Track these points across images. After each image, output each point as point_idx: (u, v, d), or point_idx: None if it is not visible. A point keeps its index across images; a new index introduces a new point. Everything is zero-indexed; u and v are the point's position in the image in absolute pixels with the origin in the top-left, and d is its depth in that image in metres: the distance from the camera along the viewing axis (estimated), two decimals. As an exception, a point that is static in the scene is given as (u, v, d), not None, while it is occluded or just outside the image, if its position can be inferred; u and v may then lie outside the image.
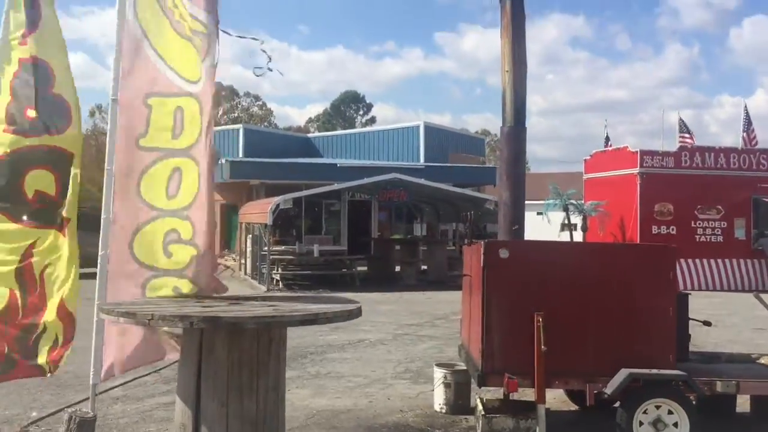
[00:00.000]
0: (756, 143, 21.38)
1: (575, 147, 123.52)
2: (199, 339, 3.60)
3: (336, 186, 19.47)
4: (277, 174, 25.51)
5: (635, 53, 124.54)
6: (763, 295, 5.83)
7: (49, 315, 4.62)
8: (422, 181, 18.87)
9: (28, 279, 4.68)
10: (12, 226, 4.67)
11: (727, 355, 6.06)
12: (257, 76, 4.96)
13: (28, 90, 4.74)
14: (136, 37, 4.36)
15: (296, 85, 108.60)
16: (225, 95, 59.68)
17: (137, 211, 4.32)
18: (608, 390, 4.82)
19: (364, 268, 20.08)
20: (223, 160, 25.88)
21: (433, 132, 34.52)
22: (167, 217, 4.32)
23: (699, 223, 18.87)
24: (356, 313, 3.75)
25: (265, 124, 59.70)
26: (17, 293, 4.67)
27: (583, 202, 21.00)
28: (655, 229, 18.59)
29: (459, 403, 6.05)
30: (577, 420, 5.85)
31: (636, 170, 18.73)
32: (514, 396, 5.52)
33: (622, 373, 4.79)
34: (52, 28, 4.59)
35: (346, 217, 24.21)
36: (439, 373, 6.15)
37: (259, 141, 31.91)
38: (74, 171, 4.66)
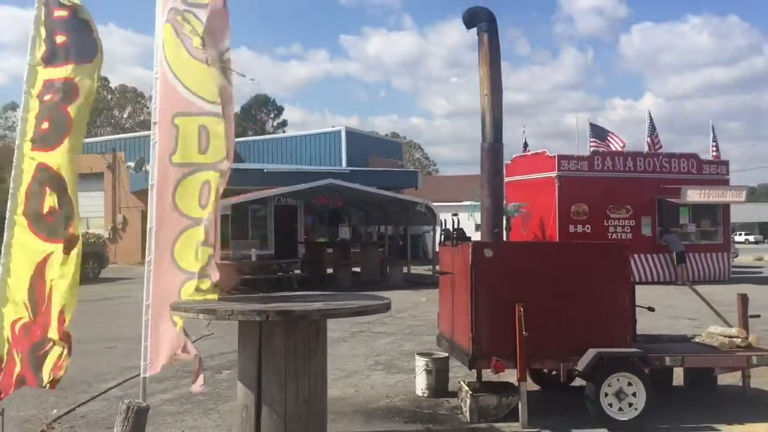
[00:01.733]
0: (660, 147, 23.25)
1: (478, 149, 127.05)
2: (258, 330, 4.16)
3: (274, 191, 19.85)
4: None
5: (534, 58, 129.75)
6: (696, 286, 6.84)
7: (53, 332, 4.95)
8: (357, 186, 19.54)
9: (39, 294, 5.01)
10: (35, 241, 5.03)
11: (666, 336, 7.09)
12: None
13: (48, 105, 5.10)
14: (162, 63, 4.85)
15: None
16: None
17: (175, 221, 4.80)
18: (579, 367, 5.66)
19: (298, 272, 20.56)
20: (148, 168, 25.71)
21: (354, 137, 35.31)
22: (200, 225, 4.82)
23: (611, 222, 20.42)
24: (389, 306, 4.40)
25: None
26: (29, 308, 5.00)
27: (505, 203, 22.23)
28: (572, 228, 19.99)
29: (439, 388, 6.78)
30: (544, 398, 6.66)
31: (554, 173, 20.09)
32: (491, 378, 6.33)
33: (591, 353, 5.63)
34: (100, 57, 5.00)
35: (272, 222, 24.56)
36: (420, 361, 6.86)
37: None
38: (71, 190, 4.99)
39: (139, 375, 7.43)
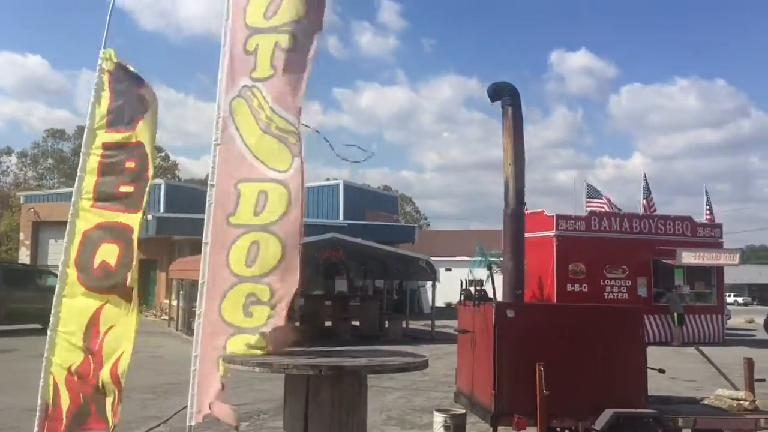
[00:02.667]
0: (654, 210, 23.79)
1: (470, 204, 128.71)
2: (306, 384, 4.41)
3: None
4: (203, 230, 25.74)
5: (526, 116, 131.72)
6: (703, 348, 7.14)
7: (105, 375, 5.26)
8: (360, 240, 19.88)
9: (94, 340, 5.32)
10: (86, 293, 5.35)
11: (676, 398, 7.36)
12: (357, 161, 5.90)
13: (120, 168, 5.47)
14: (230, 132, 5.20)
15: (192, 135, 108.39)
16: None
17: (224, 278, 5.09)
18: (597, 426, 5.90)
19: (297, 324, 20.66)
20: (150, 216, 26.01)
21: (351, 190, 35.86)
22: (246, 282, 5.09)
23: (607, 282, 20.77)
24: (427, 363, 4.67)
25: (169, 176, 59.17)
26: (86, 352, 5.31)
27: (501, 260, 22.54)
28: (569, 287, 20.30)
29: (457, 443, 6.99)
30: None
31: (552, 233, 20.50)
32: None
33: (608, 413, 5.89)
34: (154, 116, 5.40)
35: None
36: (439, 417, 7.06)
37: (181, 196, 32.09)
38: (135, 250, 5.38)
39: (153, 428, 7.73)
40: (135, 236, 5.27)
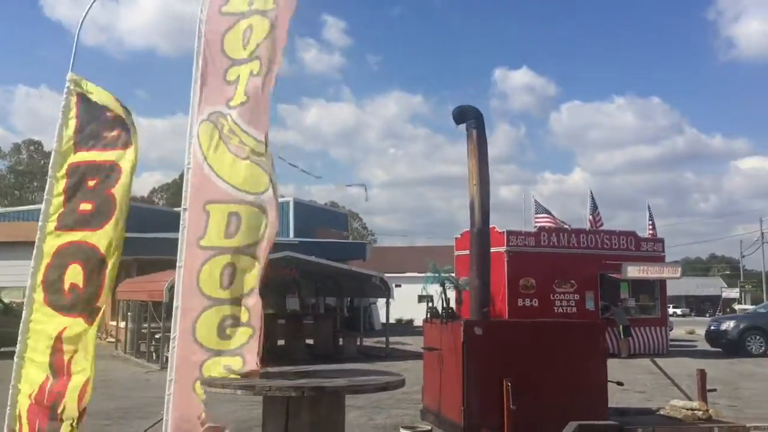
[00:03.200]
0: (601, 225, 24.46)
1: (416, 219, 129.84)
2: (286, 405, 4.46)
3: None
4: (152, 250, 25.31)
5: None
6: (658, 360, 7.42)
7: (70, 399, 5.20)
8: (313, 258, 19.86)
9: (58, 365, 5.25)
10: (51, 314, 5.30)
11: (633, 409, 7.61)
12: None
13: (81, 187, 5.42)
14: (198, 158, 5.23)
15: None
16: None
17: (198, 302, 5.09)
18: (562, 438, 6.08)
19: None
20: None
21: (301, 207, 35.77)
22: (222, 305, 5.10)
23: (556, 296, 21.19)
24: (404, 382, 4.77)
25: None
26: (50, 379, 5.24)
27: (455, 276, 22.84)
28: (520, 302, 20.65)
29: (424, 460, 7.08)
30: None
31: (503, 248, 20.86)
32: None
33: (572, 425, 6.05)
34: (136, 145, 5.39)
35: (222, 292, 24.42)
36: (405, 435, 7.16)
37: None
38: (109, 269, 5.34)
39: None
40: (106, 256, 5.21)
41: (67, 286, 5.29)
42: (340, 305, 26.65)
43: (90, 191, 5.39)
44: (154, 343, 18.19)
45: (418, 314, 42.07)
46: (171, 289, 16.84)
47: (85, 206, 5.35)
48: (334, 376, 4.89)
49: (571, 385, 6.31)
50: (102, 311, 5.20)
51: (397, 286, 37.67)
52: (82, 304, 5.21)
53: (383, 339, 22.23)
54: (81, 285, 5.25)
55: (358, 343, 21.01)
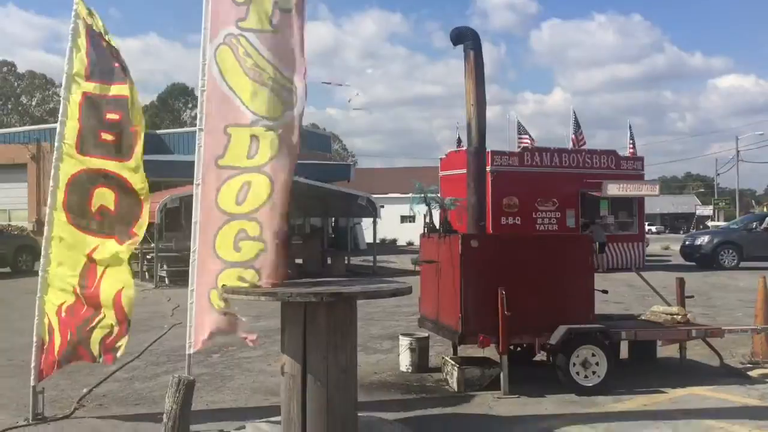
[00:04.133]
0: (584, 144, 24.82)
1: (395, 140, 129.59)
2: (303, 310, 4.81)
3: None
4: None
5: (450, 51, 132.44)
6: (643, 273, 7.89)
7: (107, 310, 5.58)
8: (303, 179, 20.04)
9: (89, 278, 5.61)
10: (78, 235, 5.59)
11: (617, 315, 8.15)
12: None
13: (99, 117, 5.64)
14: (215, 79, 5.40)
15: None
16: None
17: (216, 218, 5.38)
18: (552, 341, 6.57)
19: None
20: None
21: (284, 129, 35.57)
22: (236, 220, 5.39)
23: (539, 214, 21.75)
24: (410, 290, 5.13)
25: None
26: (78, 291, 5.59)
27: (440, 196, 23.26)
28: (503, 220, 21.18)
29: (422, 364, 7.58)
30: (513, 371, 7.57)
31: (488, 168, 21.18)
32: (468, 355, 7.20)
33: (562, 329, 6.55)
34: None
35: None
36: (404, 341, 7.64)
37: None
38: (144, 202, 5.68)
39: (134, 359, 8.06)
40: (137, 187, 5.52)
41: (94, 208, 5.57)
42: (325, 225, 27.08)
43: (113, 124, 5.62)
44: (146, 263, 18.54)
45: (401, 234, 42.89)
46: (163, 210, 17.09)
47: (107, 137, 5.58)
48: (346, 285, 5.24)
49: (561, 293, 6.75)
50: (137, 236, 5.57)
51: (380, 207, 38.14)
52: (115, 226, 5.54)
53: (368, 258, 22.76)
54: (112, 208, 5.56)
55: (346, 262, 21.53)
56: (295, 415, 4.81)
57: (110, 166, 5.58)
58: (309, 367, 4.82)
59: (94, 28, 5.67)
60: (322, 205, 22.98)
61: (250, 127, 5.36)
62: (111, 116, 5.61)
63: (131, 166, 5.61)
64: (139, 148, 5.65)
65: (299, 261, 21.13)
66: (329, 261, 20.90)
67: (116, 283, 5.50)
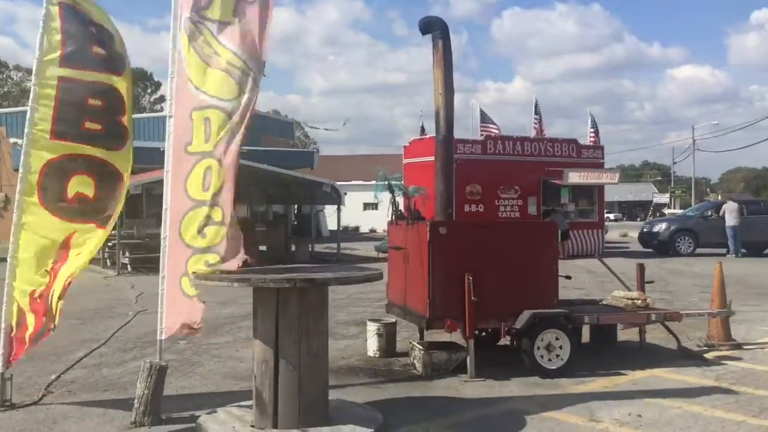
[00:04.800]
0: (545, 133, 25.15)
1: (357, 128, 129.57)
2: (276, 296, 4.86)
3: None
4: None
5: (411, 39, 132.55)
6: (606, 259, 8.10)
7: (58, 283, 5.55)
8: (267, 166, 19.98)
9: (60, 263, 5.57)
10: (52, 220, 5.55)
11: (579, 300, 8.35)
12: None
13: (81, 104, 5.59)
14: (181, 65, 5.41)
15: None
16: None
17: (183, 203, 5.39)
18: (517, 325, 6.71)
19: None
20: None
21: (247, 115, 35.25)
22: (202, 206, 5.41)
23: (501, 202, 22.03)
24: (381, 276, 5.21)
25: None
26: (51, 277, 5.55)
27: (403, 184, 23.36)
28: (467, 208, 21.38)
29: (389, 349, 7.68)
30: (478, 355, 7.73)
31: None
32: (435, 340, 7.33)
33: (527, 314, 6.70)
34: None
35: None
36: (372, 326, 7.73)
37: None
38: (126, 185, 5.69)
39: (101, 345, 8.02)
40: (124, 176, 5.53)
41: (71, 194, 5.53)
42: (288, 212, 27.04)
43: (96, 112, 5.57)
44: (108, 250, 18.30)
45: (363, 221, 42.96)
46: (127, 194, 16.85)
47: (92, 125, 5.54)
48: (317, 271, 5.31)
49: (526, 278, 6.89)
50: (114, 218, 5.57)
51: (343, 194, 38.25)
52: (95, 213, 5.52)
53: (332, 245, 22.80)
54: (92, 195, 5.53)
55: (310, 249, 21.54)
56: (267, 399, 4.87)
57: (90, 151, 5.54)
58: (281, 351, 4.88)
59: (81, 11, 5.59)
60: (285, 192, 22.95)
61: (204, 109, 5.40)
62: (93, 102, 5.56)
63: (123, 155, 5.64)
64: (130, 143, 5.70)
65: (263, 248, 21.07)
66: (293, 248, 20.88)
67: (74, 267, 5.48)
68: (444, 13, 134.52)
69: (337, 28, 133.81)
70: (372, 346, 7.71)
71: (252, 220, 22.68)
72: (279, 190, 23.31)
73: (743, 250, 22.44)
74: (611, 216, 79.82)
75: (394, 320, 7.80)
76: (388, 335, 7.69)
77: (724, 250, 22.42)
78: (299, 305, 4.89)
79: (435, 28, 7.27)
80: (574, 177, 22.60)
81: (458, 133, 23.38)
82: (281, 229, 21.52)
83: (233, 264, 5.34)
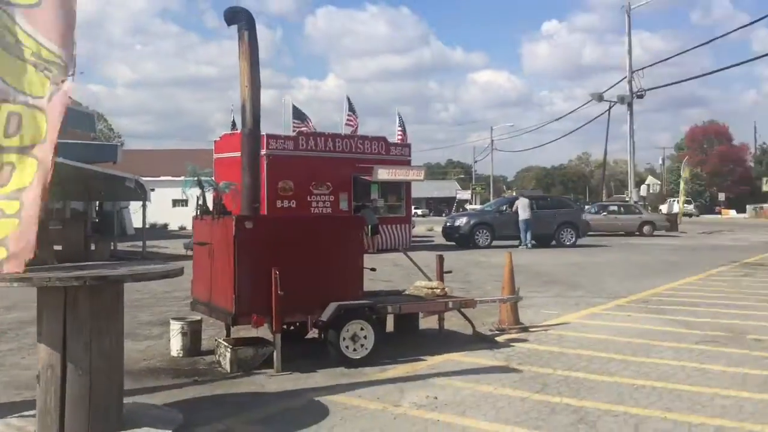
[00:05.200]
0: (356, 130, 25.68)
1: (166, 122, 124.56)
2: (64, 295, 4.54)
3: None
4: None
5: (223, 31, 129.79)
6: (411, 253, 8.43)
7: None
8: (61, 159, 18.47)
9: None
10: None
11: (383, 291, 8.62)
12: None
13: None
14: None
15: None
16: None
17: None
18: (323, 318, 6.80)
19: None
20: None
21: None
22: None
23: (313, 198, 22.23)
24: (183, 271, 5.04)
25: None
26: None
27: (213, 179, 22.77)
28: (279, 204, 21.34)
29: (194, 348, 7.45)
30: (285, 349, 7.74)
31: (263, 152, 21.15)
32: (241, 336, 7.23)
33: (332, 306, 6.81)
34: None
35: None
36: (176, 325, 7.45)
37: None
38: None
39: None
40: None
41: None
42: (88, 210, 25.32)
43: None
44: None
45: (173, 218, 41.34)
46: None
47: None
48: (111, 267, 5.01)
49: (332, 271, 7.00)
50: None
51: (150, 190, 36.61)
52: None
53: (138, 243, 21.69)
54: None
55: (112, 247, 20.34)
56: (52, 407, 4.54)
57: None
58: (69, 355, 4.57)
59: None
60: (85, 188, 21.47)
61: (12, 104, 4.92)
62: None
63: None
64: None
65: (58, 247, 19.57)
66: (93, 247, 19.60)
67: None
68: (258, 6, 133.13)
69: (144, 16, 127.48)
70: (175, 346, 7.44)
71: (46, 217, 20.92)
72: (78, 185, 21.71)
73: (534, 242, 24.44)
74: (419, 211, 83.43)
75: (199, 318, 7.59)
76: (192, 334, 7.46)
77: (517, 242, 24.27)
78: (90, 305, 4.60)
79: (240, 19, 7.14)
80: (383, 174, 23.33)
81: (271, 129, 23.37)
82: (79, 227, 20.10)
83: (18, 264, 4.89)
